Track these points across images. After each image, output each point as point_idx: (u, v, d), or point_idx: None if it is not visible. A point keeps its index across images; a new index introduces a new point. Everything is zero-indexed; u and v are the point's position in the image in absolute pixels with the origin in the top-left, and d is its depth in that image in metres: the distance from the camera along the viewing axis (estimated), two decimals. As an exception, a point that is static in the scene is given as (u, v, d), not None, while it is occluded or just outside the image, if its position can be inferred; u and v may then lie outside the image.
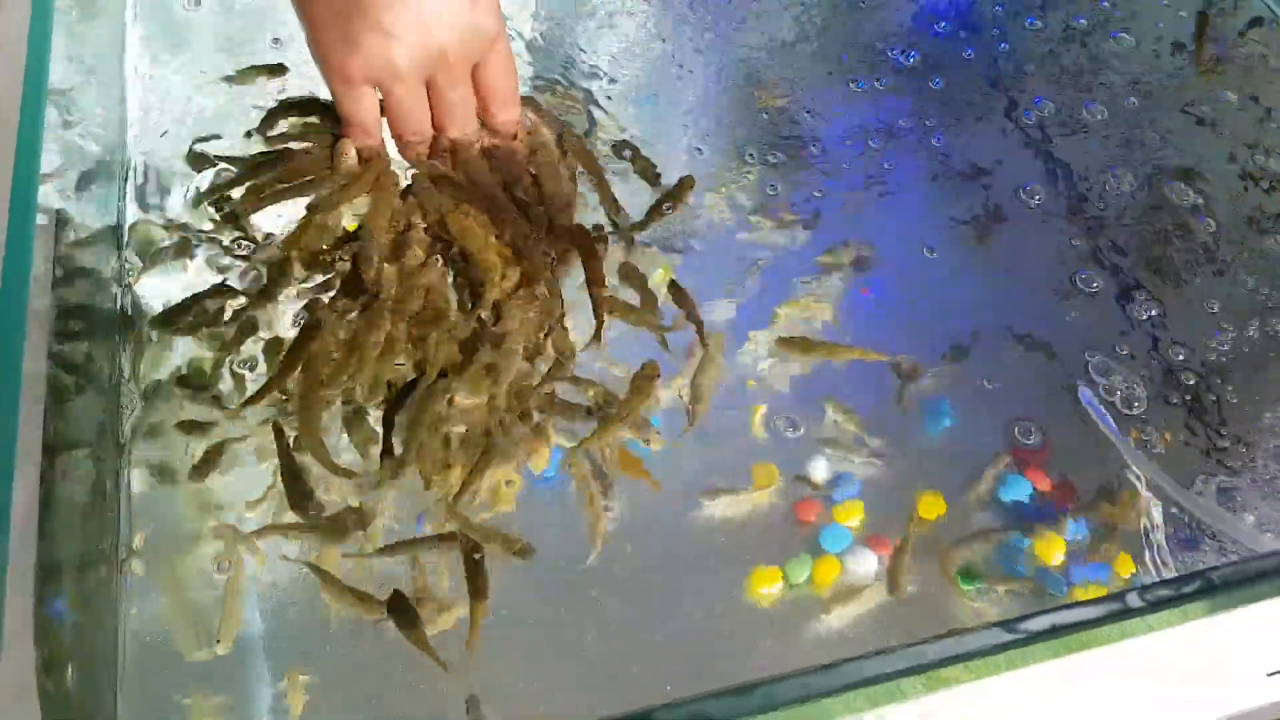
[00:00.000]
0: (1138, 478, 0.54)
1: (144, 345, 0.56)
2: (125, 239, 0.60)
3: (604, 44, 0.74)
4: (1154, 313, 0.62)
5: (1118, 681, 0.35)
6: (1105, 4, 0.82)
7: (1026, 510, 0.54)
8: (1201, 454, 0.55)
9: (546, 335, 0.55)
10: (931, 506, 0.54)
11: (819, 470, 0.55)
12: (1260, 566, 0.34)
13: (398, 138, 0.57)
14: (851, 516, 0.54)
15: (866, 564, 0.52)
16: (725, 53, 0.75)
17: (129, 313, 0.57)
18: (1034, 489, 0.55)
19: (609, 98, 0.70)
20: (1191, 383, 0.59)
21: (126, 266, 0.58)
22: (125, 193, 0.62)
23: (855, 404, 0.57)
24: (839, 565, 0.52)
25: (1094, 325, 0.62)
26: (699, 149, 0.69)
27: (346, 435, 0.52)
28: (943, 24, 0.80)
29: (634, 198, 0.64)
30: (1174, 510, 0.52)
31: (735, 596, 0.49)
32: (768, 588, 0.51)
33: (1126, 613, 0.34)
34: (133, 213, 0.61)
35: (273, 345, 0.55)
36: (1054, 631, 0.32)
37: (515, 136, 0.61)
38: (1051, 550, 0.52)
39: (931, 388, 0.58)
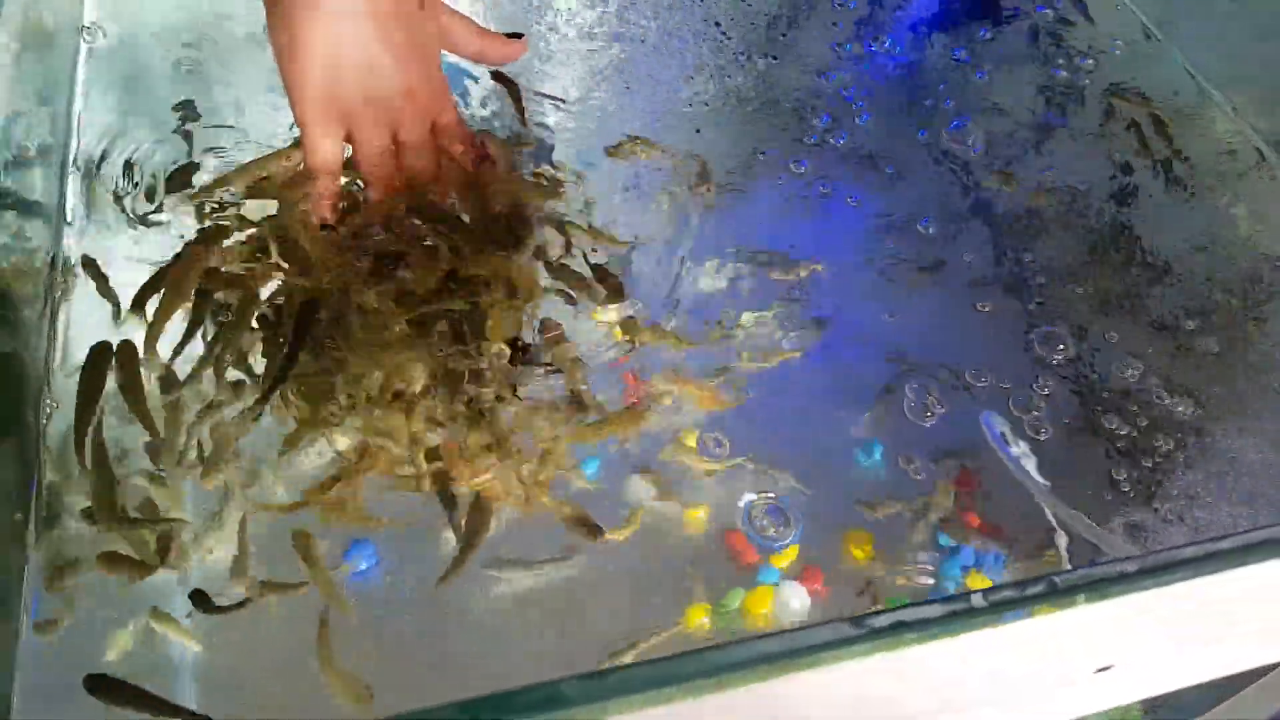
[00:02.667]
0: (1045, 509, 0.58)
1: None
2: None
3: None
4: (1064, 349, 0.66)
5: (958, 675, 0.38)
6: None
7: (957, 549, 0.57)
8: (1106, 483, 0.59)
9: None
10: (861, 544, 0.57)
11: (752, 506, 0.58)
12: (1101, 573, 0.37)
13: (365, 175, 0.62)
14: (786, 556, 0.56)
15: (799, 598, 0.54)
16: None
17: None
18: (965, 526, 0.58)
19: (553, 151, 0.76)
20: (1100, 412, 0.63)
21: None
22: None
23: (790, 436, 0.61)
24: (770, 595, 0.54)
25: (1017, 360, 0.65)
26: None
27: None
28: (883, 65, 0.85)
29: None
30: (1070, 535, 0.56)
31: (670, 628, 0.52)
32: (700, 619, 0.53)
33: (970, 612, 0.37)
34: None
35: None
36: (897, 628, 0.36)
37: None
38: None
39: (866, 426, 0.62)
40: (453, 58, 0.66)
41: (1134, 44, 0.92)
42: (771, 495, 0.58)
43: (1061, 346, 0.67)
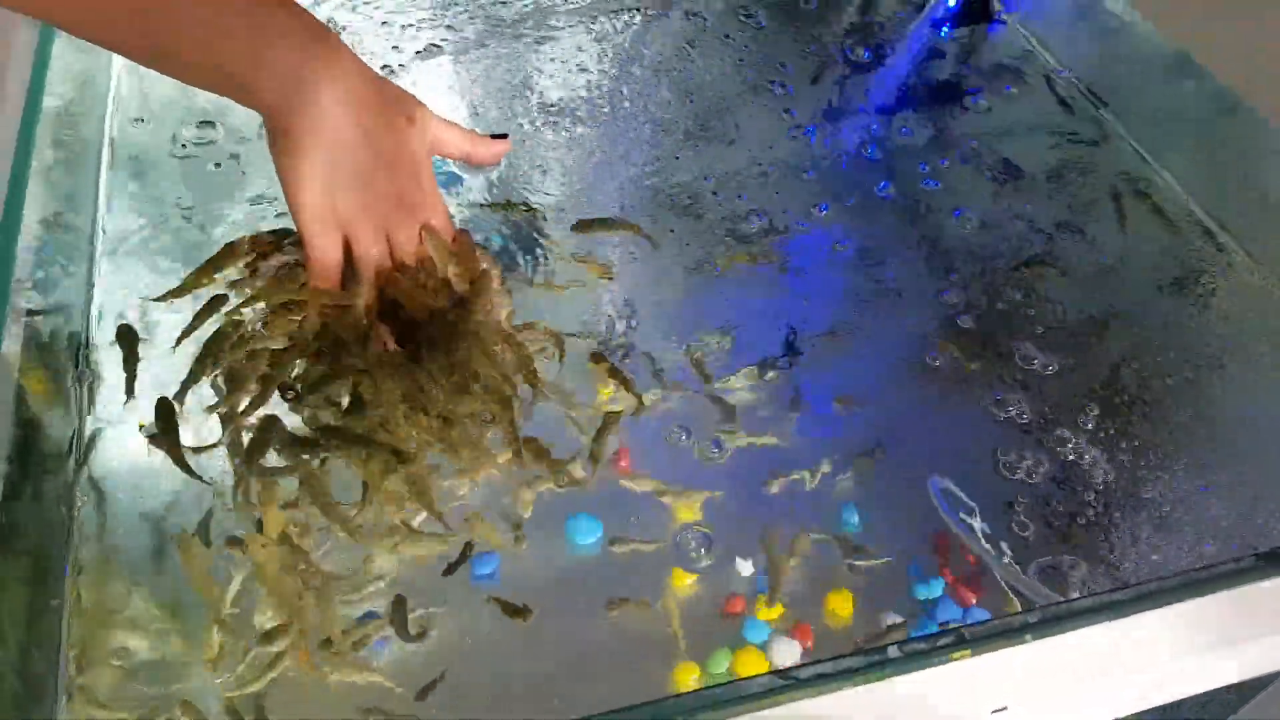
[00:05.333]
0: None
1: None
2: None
3: (546, 189, 0.87)
4: (1024, 415, 0.72)
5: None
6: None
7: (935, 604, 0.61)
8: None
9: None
10: (841, 603, 0.61)
11: (744, 568, 0.63)
12: (1001, 625, 0.43)
13: (361, 275, 0.68)
14: (773, 611, 0.60)
15: (790, 653, 0.57)
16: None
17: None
18: (945, 584, 0.62)
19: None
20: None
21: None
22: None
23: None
24: (761, 657, 0.57)
25: (1001, 430, 0.71)
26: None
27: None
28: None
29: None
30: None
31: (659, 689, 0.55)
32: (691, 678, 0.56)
33: (887, 663, 0.42)
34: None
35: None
36: (820, 679, 0.41)
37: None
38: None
39: (844, 489, 0.67)
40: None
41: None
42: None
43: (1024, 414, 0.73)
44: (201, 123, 0.88)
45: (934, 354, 0.76)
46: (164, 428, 0.65)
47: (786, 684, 0.41)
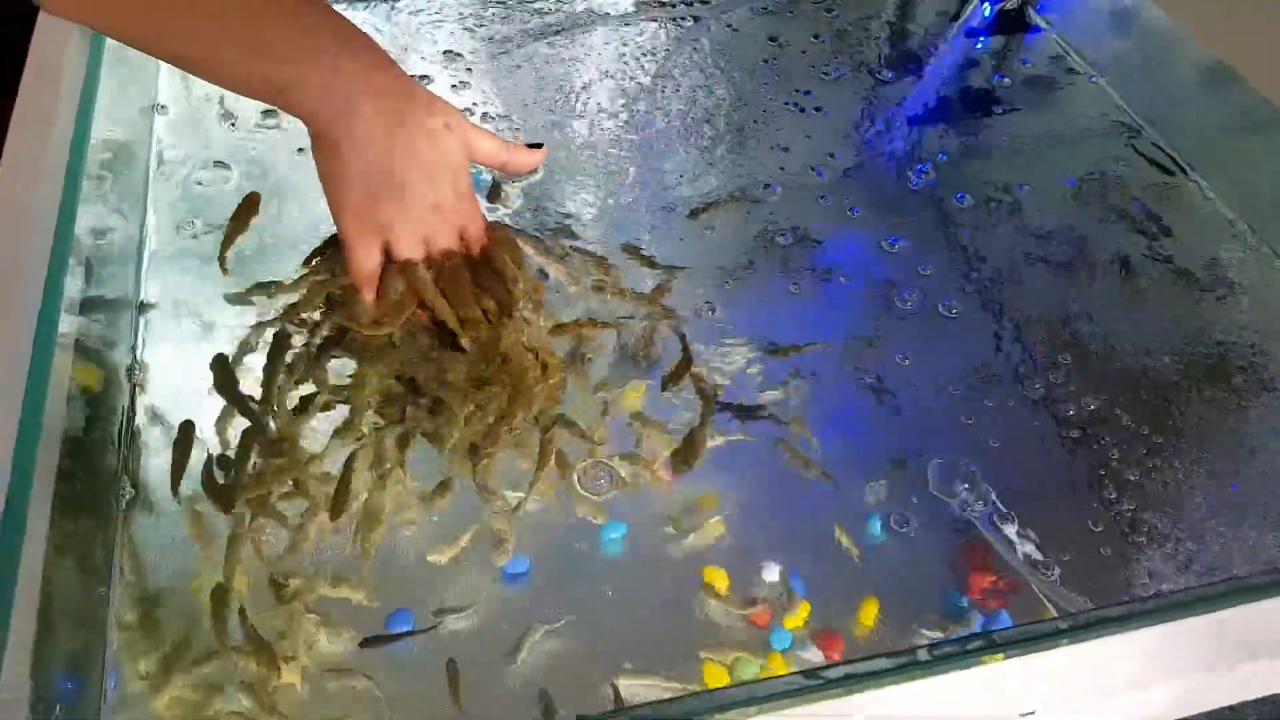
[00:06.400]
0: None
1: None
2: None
3: (583, 196, 0.88)
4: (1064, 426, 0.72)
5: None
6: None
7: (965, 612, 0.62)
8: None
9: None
10: (869, 611, 0.61)
11: (770, 573, 0.63)
12: (1031, 630, 0.43)
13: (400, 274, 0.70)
14: (799, 618, 0.60)
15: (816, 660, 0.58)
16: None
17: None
18: (976, 593, 0.62)
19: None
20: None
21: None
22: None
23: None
24: (786, 664, 0.58)
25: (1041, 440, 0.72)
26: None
27: None
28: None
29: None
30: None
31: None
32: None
33: (915, 665, 0.43)
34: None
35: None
36: (850, 679, 0.41)
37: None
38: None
39: (873, 501, 0.68)
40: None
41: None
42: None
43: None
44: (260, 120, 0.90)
45: (973, 362, 0.76)
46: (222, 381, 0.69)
47: (815, 684, 0.41)
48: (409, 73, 0.64)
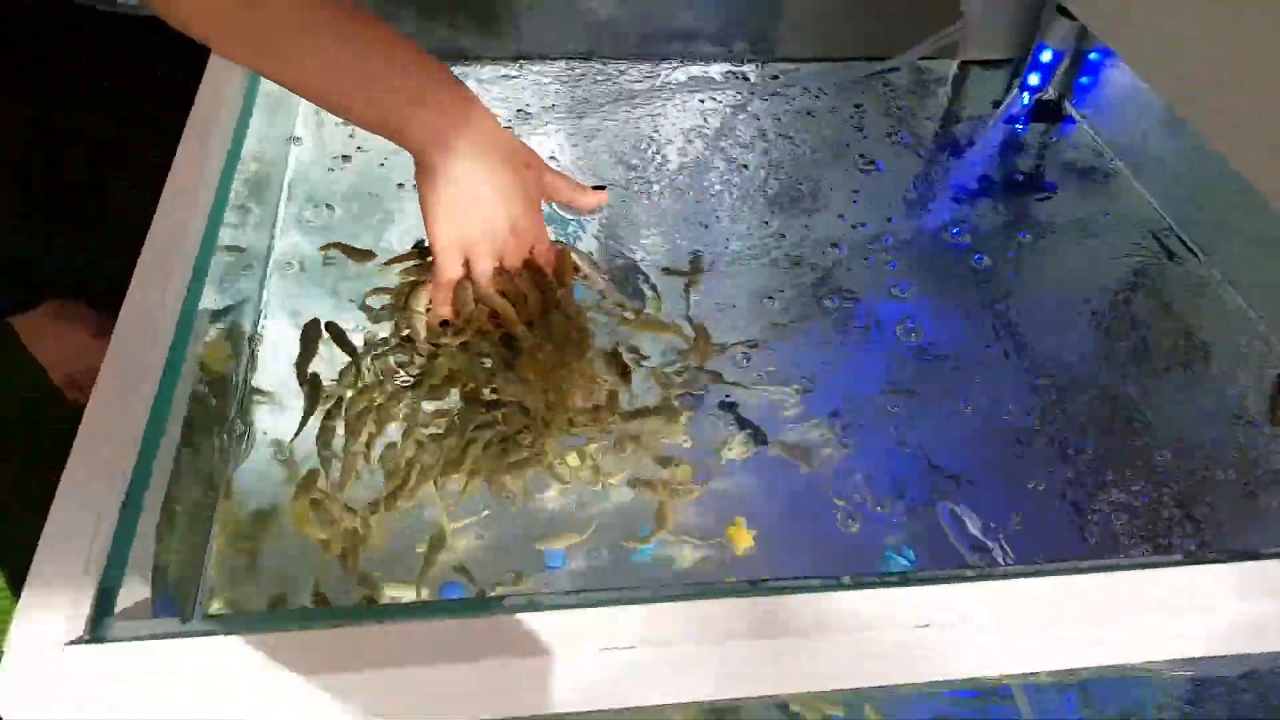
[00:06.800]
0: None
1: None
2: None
3: (642, 232, 1.01)
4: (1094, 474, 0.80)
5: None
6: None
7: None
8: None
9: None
10: None
11: None
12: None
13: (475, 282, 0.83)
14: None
15: None
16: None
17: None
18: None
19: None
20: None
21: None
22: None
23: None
24: None
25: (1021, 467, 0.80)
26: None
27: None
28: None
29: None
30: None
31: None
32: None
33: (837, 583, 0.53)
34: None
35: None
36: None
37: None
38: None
39: (889, 531, 0.75)
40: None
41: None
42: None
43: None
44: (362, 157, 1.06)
45: (1008, 417, 0.85)
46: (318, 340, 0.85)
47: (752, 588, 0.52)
48: (500, 120, 0.78)
